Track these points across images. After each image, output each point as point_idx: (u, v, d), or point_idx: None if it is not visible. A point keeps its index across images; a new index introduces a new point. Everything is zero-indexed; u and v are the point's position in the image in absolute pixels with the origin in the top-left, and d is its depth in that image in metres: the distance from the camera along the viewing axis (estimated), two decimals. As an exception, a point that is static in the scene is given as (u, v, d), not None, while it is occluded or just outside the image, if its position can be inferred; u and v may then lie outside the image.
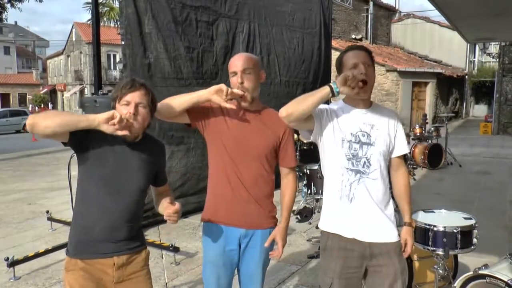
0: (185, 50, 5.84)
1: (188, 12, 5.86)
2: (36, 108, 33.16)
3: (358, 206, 2.14)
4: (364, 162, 2.14)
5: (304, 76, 8.46)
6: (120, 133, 1.86)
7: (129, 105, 1.93)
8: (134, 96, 1.94)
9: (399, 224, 2.29)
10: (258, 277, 2.33)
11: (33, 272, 4.23)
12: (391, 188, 2.29)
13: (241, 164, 2.22)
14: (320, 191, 5.11)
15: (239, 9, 6.80)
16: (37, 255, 4.38)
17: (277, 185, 2.37)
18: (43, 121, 1.80)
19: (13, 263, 4.08)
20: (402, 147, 2.25)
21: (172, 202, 2.03)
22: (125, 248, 2.04)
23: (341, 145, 2.15)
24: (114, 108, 1.96)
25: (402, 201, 2.30)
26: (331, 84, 2.01)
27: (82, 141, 1.94)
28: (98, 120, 1.82)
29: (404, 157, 2.34)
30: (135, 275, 2.08)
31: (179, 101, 2.18)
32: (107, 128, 1.83)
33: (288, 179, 2.36)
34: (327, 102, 2.24)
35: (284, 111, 2.05)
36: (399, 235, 2.22)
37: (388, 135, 2.19)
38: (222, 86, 2.12)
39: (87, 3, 24.59)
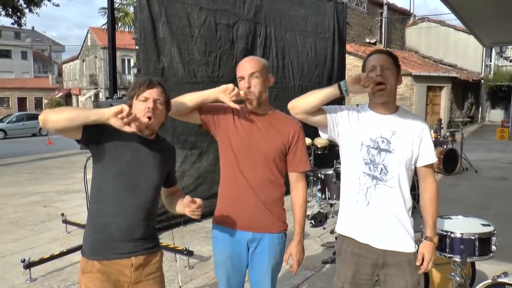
0: (200, 54, 5.86)
1: (206, 15, 5.88)
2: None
3: (373, 211, 2.12)
4: (381, 169, 2.10)
5: (317, 80, 8.45)
6: (128, 128, 1.84)
7: (147, 101, 1.96)
8: (152, 93, 1.98)
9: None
10: (267, 282, 2.31)
11: (49, 274, 4.27)
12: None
13: (248, 167, 2.22)
14: (335, 196, 5.08)
15: (257, 12, 6.83)
16: (53, 257, 4.42)
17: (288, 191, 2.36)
18: (54, 115, 1.82)
19: (29, 265, 4.13)
20: (428, 157, 2.15)
21: (193, 199, 2.03)
22: (142, 248, 2.05)
23: (359, 148, 2.13)
24: (131, 105, 1.98)
25: (425, 213, 2.22)
26: (340, 82, 2.02)
27: (96, 138, 1.95)
28: (108, 113, 1.82)
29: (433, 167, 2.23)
30: (151, 276, 2.10)
31: (189, 99, 2.21)
32: (115, 122, 1.83)
33: (297, 189, 2.32)
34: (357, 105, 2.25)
35: (290, 103, 2.14)
36: (416, 247, 2.17)
37: (411, 143, 2.12)
38: (229, 85, 2.15)
39: (103, 8, 24.87)
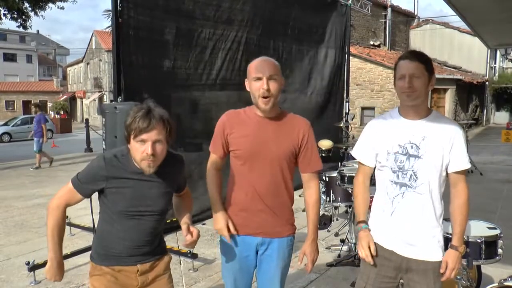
0: (157, 59, 5.61)
1: (167, 22, 5.63)
2: (57, 115, 33.67)
3: (398, 220, 2.11)
4: (411, 175, 2.08)
5: (296, 87, 8.22)
6: None
7: (145, 143, 1.86)
8: (150, 135, 1.85)
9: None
10: (276, 284, 2.31)
11: (53, 277, 4.27)
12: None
13: (257, 173, 2.21)
14: (339, 198, 5.06)
15: (232, 17, 6.58)
16: (57, 260, 4.42)
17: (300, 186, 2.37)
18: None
19: (33, 267, 4.14)
20: (459, 162, 2.08)
21: (190, 227, 2.05)
22: (148, 258, 2.09)
23: (386, 157, 2.12)
24: (128, 140, 1.90)
25: (453, 221, 2.17)
26: (359, 229, 2.23)
27: (96, 190, 2.02)
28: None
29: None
30: (158, 278, 2.12)
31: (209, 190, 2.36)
32: None
33: (310, 188, 2.31)
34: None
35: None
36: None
37: (441, 148, 2.06)
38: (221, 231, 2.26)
39: (107, 10, 25.01)
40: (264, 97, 2.13)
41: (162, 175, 2.01)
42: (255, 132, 2.21)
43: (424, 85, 2.04)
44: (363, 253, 2.16)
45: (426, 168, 2.06)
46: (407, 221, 2.09)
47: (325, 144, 7.32)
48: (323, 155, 7.33)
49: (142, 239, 2.03)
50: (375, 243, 2.19)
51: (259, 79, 2.14)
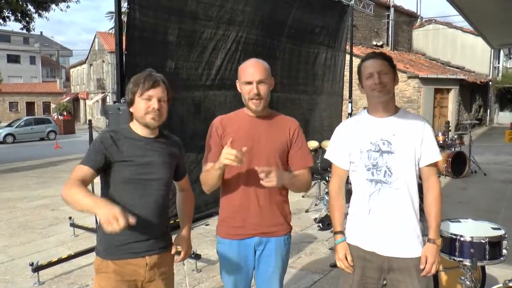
0: (161, 60, 5.63)
1: (170, 23, 5.63)
2: (60, 116, 33.75)
3: (376, 218, 2.10)
4: (385, 171, 2.09)
5: (284, 84, 8.15)
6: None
7: (151, 99, 2.00)
8: (156, 92, 2.02)
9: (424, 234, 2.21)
10: (275, 284, 2.32)
11: (56, 277, 4.29)
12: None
13: (252, 173, 2.20)
14: (342, 199, 5.05)
15: (234, 17, 6.60)
16: (61, 261, 4.44)
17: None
18: (70, 202, 1.81)
19: (37, 268, 4.15)
20: (430, 156, 2.12)
21: (183, 242, 2.24)
22: (156, 247, 2.08)
23: (359, 156, 2.14)
24: (133, 101, 2.02)
25: (428, 214, 2.18)
26: (336, 243, 2.25)
27: (105, 166, 2.00)
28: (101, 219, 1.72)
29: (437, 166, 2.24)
30: (165, 275, 2.13)
31: (210, 183, 2.22)
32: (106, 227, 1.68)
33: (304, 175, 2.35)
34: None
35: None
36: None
37: (412, 143, 2.09)
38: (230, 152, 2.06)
39: (110, 12, 25.06)
40: (255, 99, 2.19)
41: (162, 145, 2.12)
42: (247, 129, 2.24)
43: (391, 81, 2.11)
44: (342, 264, 2.19)
45: (399, 163, 2.08)
46: (385, 218, 2.09)
47: (328, 144, 7.31)
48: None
49: (149, 214, 2.02)
50: (355, 246, 2.18)
51: (249, 83, 2.20)
